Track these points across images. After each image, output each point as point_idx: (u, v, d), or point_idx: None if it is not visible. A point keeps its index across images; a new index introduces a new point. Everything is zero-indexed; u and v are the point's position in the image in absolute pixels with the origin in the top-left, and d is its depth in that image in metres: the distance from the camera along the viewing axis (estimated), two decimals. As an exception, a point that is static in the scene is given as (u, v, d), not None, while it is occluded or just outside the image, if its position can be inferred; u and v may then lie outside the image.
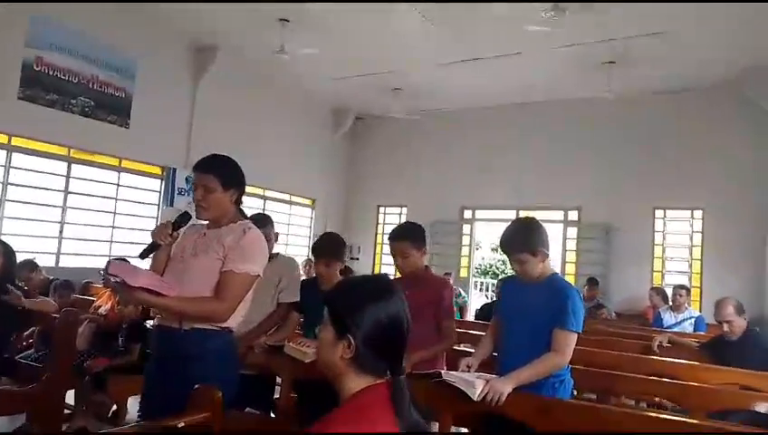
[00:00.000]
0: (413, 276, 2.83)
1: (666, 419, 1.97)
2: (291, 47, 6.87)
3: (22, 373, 3.59)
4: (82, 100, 6.49)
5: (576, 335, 2.25)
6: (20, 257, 5.77)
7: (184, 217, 2.21)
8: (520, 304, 2.38)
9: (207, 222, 2.20)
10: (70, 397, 3.99)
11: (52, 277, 5.28)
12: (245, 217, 2.23)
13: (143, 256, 2.17)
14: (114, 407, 4.26)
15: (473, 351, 2.69)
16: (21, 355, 4.22)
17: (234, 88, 8.32)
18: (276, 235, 3.23)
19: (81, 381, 3.99)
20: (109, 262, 1.95)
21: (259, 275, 2.11)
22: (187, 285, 2.03)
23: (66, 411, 3.94)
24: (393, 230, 2.92)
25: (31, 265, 5.06)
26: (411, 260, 2.79)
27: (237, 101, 8.41)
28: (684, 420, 1.98)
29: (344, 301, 1.30)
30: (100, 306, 4.41)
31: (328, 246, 3.07)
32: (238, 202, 2.21)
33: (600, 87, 7.58)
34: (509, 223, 2.47)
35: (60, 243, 6.59)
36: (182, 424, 1.60)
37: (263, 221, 3.10)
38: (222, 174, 2.12)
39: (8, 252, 3.60)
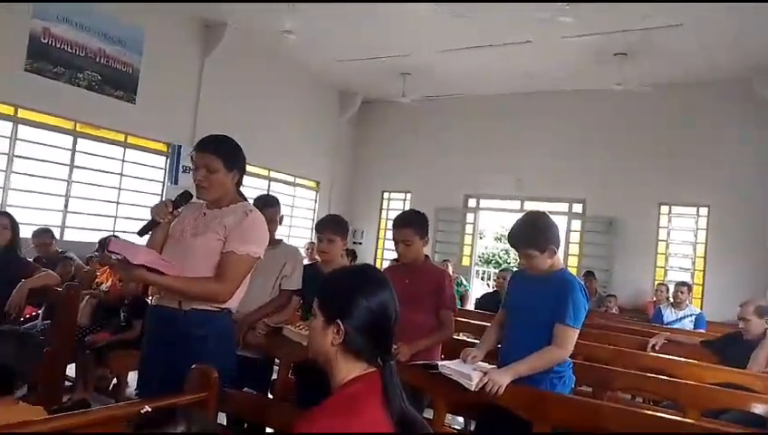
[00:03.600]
0: (412, 265, 2.84)
1: (658, 417, 1.98)
2: (298, 27, 6.81)
3: (24, 345, 3.62)
4: (89, 73, 6.47)
5: (576, 331, 2.26)
6: (26, 230, 5.86)
7: (184, 196, 2.20)
8: (525, 297, 2.38)
9: (207, 202, 2.19)
10: (71, 370, 4.06)
11: (60, 250, 5.33)
12: (245, 199, 2.23)
13: (142, 233, 2.16)
14: (115, 381, 4.32)
15: (472, 341, 2.71)
16: (26, 325, 4.26)
17: (241, 67, 8.28)
18: (281, 217, 3.22)
19: (83, 355, 4.04)
20: (109, 239, 1.95)
21: (260, 257, 2.11)
22: (188, 264, 2.03)
23: (67, 384, 3.99)
24: (398, 217, 2.92)
25: (50, 233, 5.19)
26: (413, 248, 2.79)
27: (244, 80, 8.37)
28: (676, 419, 1.99)
29: (333, 287, 1.34)
30: (101, 283, 4.44)
31: (332, 220, 3.04)
32: (239, 184, 2.21)
33: (610, 79, 7.51)
34: (515, 214, 2.47)
35: (64, 216, 6.63)
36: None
37: (271, 201, 3.09)
38: (225, 155, 2.11)
39: (14, 224, 3.62)
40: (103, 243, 5.00)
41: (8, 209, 5.32)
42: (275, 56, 8.79)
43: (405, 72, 9.04)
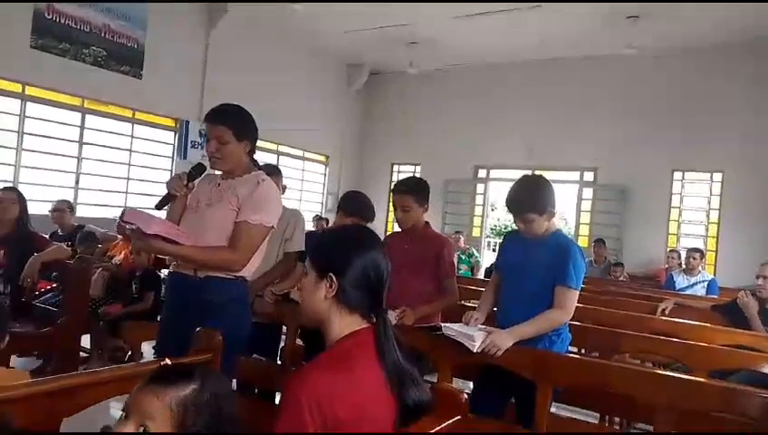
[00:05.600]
0: (413, 232, 2.84)
1: (663, 375, 1.98)
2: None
3: (39, 317, 3.70)
4: (95, 49, 6.46)
5: (577, 292, 2.26)
6: (38, 207, 5.93)
7: (198, 168, 2.21)
8: (522, 259, 2.37)
9: (221, 173, 2.19)
10: (86, 342, 4.14)
11: (77, 224, 5.38)
12: (259, 168, 2.22)
13: (159, 206, 2.20)
14: (130, 352, 4.41)
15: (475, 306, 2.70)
16: (41, 298, 4.34)
17: (247, 40, 8.21)
18: (284, 187, 3.23)
19: (97, 327, 4.11)
20: (124, 210, 1.97)
21: (273, 227, 2.12)
22: (202, 234, 2.05)
23: (83, 355, 4.08)
24: (398, 182, 2.92)
25: (68, 203, 5.23)
26: (412, 214, 2.78)
27: (251, 53, 8.30)
28: (681, 376, 1.98)
29: (324, 243, 1.36)
30: (114, 255, 4.50)
31: (359, 204, 2.95)
32: (252, 153, 2.21)
33: (622, 43, 7.34)
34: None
35: (76, 193, 6.69)
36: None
37: (272, 170, 3.09)
38: (235, 125, 2.10)
39: (21, 198, 3.66)
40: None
41: (20, 187, 5.38)
42: (282, 28, 8.69)
43: (412, 41, 8.90)
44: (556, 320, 2.23)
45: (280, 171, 3.16)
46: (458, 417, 1.32)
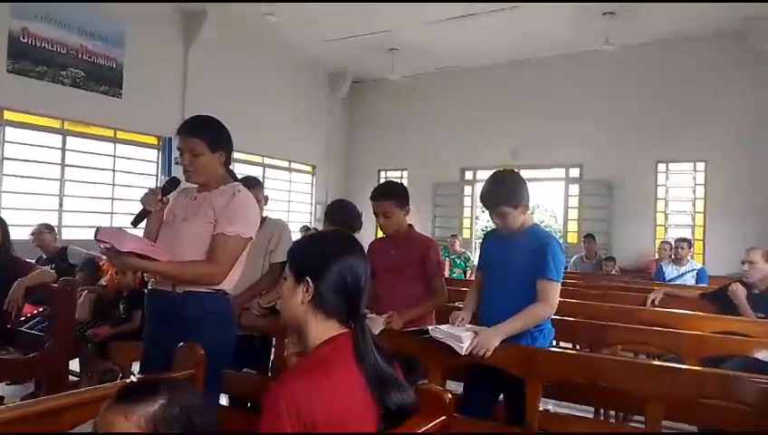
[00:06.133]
0: (396, 236, 2.84)
1: (653, 365, 1.98)
2: (279, 9, 6.71)
3: (26, 342, 3.65)
4: (72, 71, 6.42)
5: (559, 284, 2.26)
6: (22, 232, 5.85)
7: (172, 182, 2.19)
8: (501, 255, 2.38)
9: (198, 186, 2.17)
10: (76, 366, 4.09)
11: (61, 246, 5.30)
12: (236, 179, 2.20)
13: (135, 223, 2.17)
14: (120, 374, 4.34)
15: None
16: (28, 325, 4.29)
17: (226, 54, 8.18)
18: (266, 197, 3.21)
19: (85, 349, 4.06)
20: (98, 229, 1.94)
21: (251, 238, 2.09)
22: (178, 249, 2.02)
23: (73, 379, 4.02)
24: (375, 189, 2.91)
25: (48, 227, 5.13)
26: (394, 219, 2.78)
27: (231, 67, 8.28)
28: (671, 365, 1.98)
29: (301, 248, 1.35)
30: (100, 277, 4.45)
31: (345, 213, 3.01)
32: (227, 163, 2.18)
33: (600, 39, 7.41)
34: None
35: (60, 215, 6.63)
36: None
37: (251, 182, 3.07)
38: (208, 136, 2.08)
39: (3, 224, 3.61)
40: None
41: (2, 212, 5.32)
42: (260, 40, 8.68)
43: (393, 47, 8.94)
44: (540, 314, 2.23)
45: (260, 182, 3.14)
46: (443, 418, 1.30)
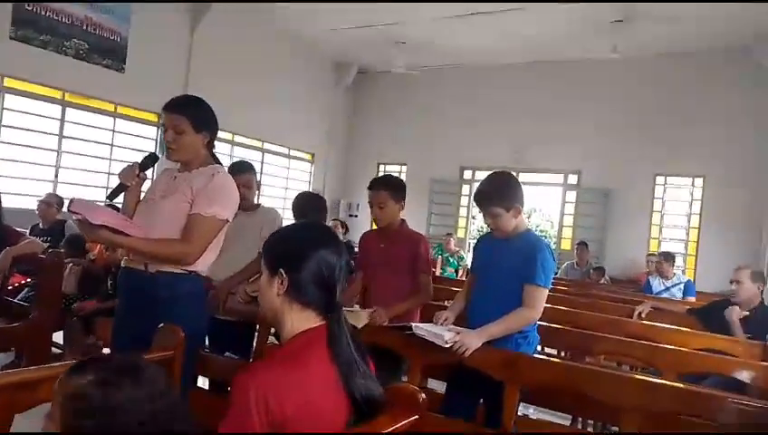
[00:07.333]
0: (388, 229, 2.84)
1: (629, 377, 1.98)
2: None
3: (12, 312, 3.64)
4: (76, 42, 6.37)
5: (546, 291, 2.26)
6: (16, 200, 5.82)
7: (151, 158, 2.18)
8: (492, 259, 2.38)
9: (179, 165, 2.16)
10: (60, 338, 4.08)
11: (61, 219, 5.26)
12: (218, 162, 2.19)
13: (111, 197, 2.15)
14: (104, 349, 4.34)
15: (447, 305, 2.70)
16: (20, 295, 4.28)
17: (232, 36, 8.13)
18: (258, 183, 3.20)
19: (70, 323, 4.05)
20: (72, 200, 1.91)
21: (228, 220, 2.07)
22: (154, 226, 2.01)
23: (56, 351, 4.01)
24: (373, 179, 2.92)
25: (58, 199, 5.11)
26: (387, 211, 2.78)
27: (236, 50, 8.23)
28: (648, 379, 1.98)
29: (275, 240, 1.34)
30: (88, 251, 4.43)
31: (298, 206, 3.07)
32: (210, 145, 2.17)
33: (606, 48, 7.39)
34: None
35: (55, 187, 6.58)
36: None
37: (244, 167, 3.07)
38: (193, 115, 2.07)
39: (-5, 194, 3.60)
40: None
41: (-2, 180, 5.29)
42: (267, 26, 8.63)
43: (400, 40, 8.90)
44: (525, 318, 2.23)
45: (252, 168, 3.13)
46: (416, 416, 1.30)
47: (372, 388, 1.24)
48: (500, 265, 2.31)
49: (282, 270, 1.25)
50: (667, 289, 5.62)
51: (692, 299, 5.24)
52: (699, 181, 8.25)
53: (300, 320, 1.25)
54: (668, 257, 5.82)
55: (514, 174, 8.40)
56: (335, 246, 1.31)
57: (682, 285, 5.58)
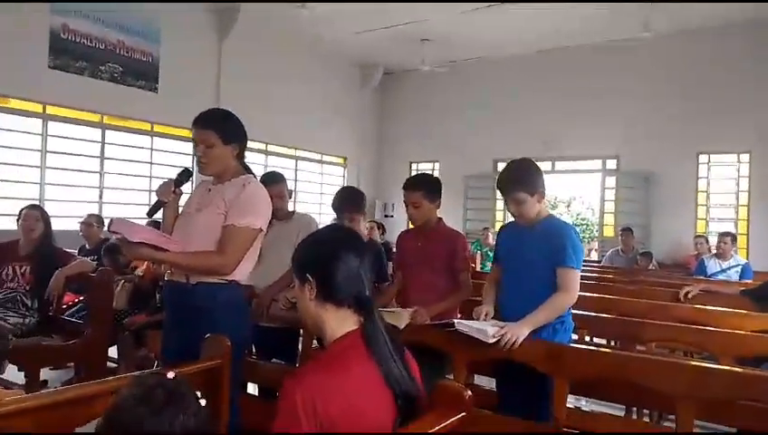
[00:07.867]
0: (425, 228, 2.83)
1: (683, 364, 1.92)
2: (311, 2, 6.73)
3: (67, 330, 3.79)
4: (111, 66, 6.60)
5: (578, 272, 2.24)
6: (64, 223, 6.04)
7: (185, 174, 2.24)
8: (518, 247, 2.36)
9: (213, 178, 2.21)
10: (114, 352, 4.22)
11: (104, 237, 5.47)
12: (249, 172, 2.23)
13: (150, 213, 2.23)
14: (156, 361, 4.47)
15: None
16: (69, 312, 4.45)
17: (259, 47, 8.28)
18: (290, 191, 3.24)
19: (122, 337, 4.19)
20: (111, 220, 1.99)
21: (261, 229, 2.11)
22: (191, 239, 2.06)
23: (111, 365, 4.16)
24: (408, 179, 2.92)
25: (97, 218, 5.31)
26: (422, 211, 2.77)
27: (263, 60, 8.38)
28: (702, 364, 1.92)
29: (296, 253, 1.37)
30: (136, 267, 4.57)
31: (347, 199, 3.10)
32: (240, 156, 2.21)
33: (637, 27, 7.17)
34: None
35: (100, 207, 6.83)
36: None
37: (276, 178, 3.11)
38: (221, 129, 2.11)
39: (45, 216, 3.75)
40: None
41: (46, 204, 5.52)
42: (292, 34, 8.73)
43: (424, 38, 8.86)
44: (563, 302, 2.21)
45: (283, 178, 3.18)
46: (462, 414, 1.29)
47: (410, 385, 1.24)
48: (527, 252, 2.30)
49: (308, 275, 1.28)
50: (724, 271, 5.40)
51: (747, 282, 5.02)
52: (745, 157, 7.92)
53: (337, 320, 1.27)
54: (732, 236, 5.60)
55: (550, 163, 8.31)
56: (354, 243, 1.33)
57: (739, 268, 5.35)
